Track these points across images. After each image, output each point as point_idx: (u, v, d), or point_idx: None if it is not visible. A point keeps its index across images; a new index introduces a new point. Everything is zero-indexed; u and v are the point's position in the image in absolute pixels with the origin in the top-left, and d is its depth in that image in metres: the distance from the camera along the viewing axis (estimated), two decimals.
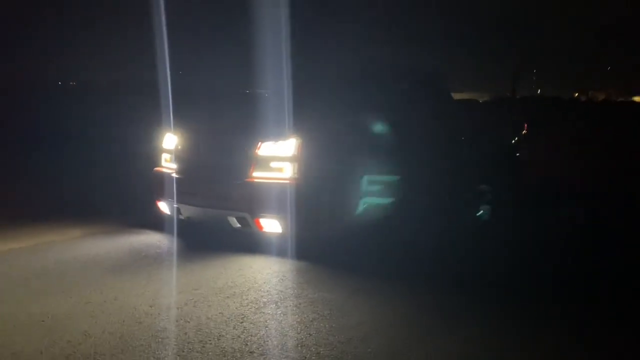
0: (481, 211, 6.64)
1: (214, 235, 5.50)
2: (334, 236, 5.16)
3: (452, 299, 4.18)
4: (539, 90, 49.12)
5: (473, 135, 6.75)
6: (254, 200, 4.95)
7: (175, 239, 5.57)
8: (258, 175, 5.02)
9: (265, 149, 5.03)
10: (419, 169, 5.73)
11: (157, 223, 5.88)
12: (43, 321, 3.61)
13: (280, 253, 5.01)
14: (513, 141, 7.86)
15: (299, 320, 3.70)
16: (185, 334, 3.46)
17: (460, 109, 7.41)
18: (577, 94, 45.68)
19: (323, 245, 5.10)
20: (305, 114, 5.19)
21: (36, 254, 5.06)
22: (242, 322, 3.64)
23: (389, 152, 5.49)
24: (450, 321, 3.77)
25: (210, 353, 3.21)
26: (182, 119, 5.85)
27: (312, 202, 4.97)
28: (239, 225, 5.12)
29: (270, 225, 4.97)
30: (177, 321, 3.64)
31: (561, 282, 4.65)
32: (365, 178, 5.38)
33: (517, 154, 7.68)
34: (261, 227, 5.00)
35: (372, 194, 5.37)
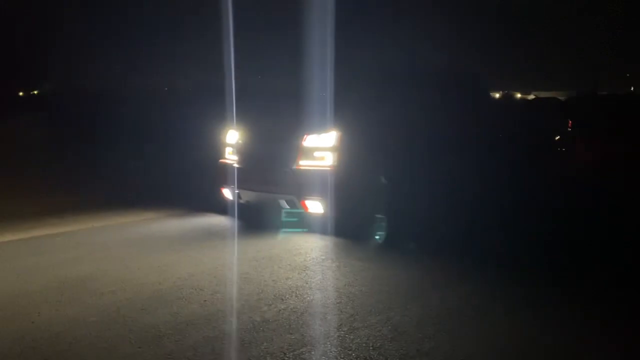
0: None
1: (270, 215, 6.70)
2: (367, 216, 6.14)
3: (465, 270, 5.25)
4: (632, 88, 47.82)
5: (510, 131, 7.65)
6: (300, 185, 6.03)
7: (239, 219, 6.92)
8: (304, 163, 6.10)
9: (310, 140, 6.10)
10: (446, 164, 6.70)
11: (222, 207, 7.22)
12: (158, 266, 5.21)
13: (324, 230, 6.17)
14: (557, 137, 8.71)
15: (350, 270, 5.10)
16: (262, 276, 4.92)
17: (499, 109, 8.24)
18: None
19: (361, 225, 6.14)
20: (345, 110, 6.26)
21: (137, 227, 6.85)
22: (304, 270, 5.09)
23: (419, 147, 6.47)
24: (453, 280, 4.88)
25: (280, 288, 4.63)
26: (241, 117, 7.13)
27: (349, 187, 5.98)
28: (288, 206, 6.27)
29: (314, 207, 6.03)
30: (255, 269, 5.11)
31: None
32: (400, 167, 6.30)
33: (561, 148, 8.51)
34: (307, 208, 6.08)
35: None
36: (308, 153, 6.12)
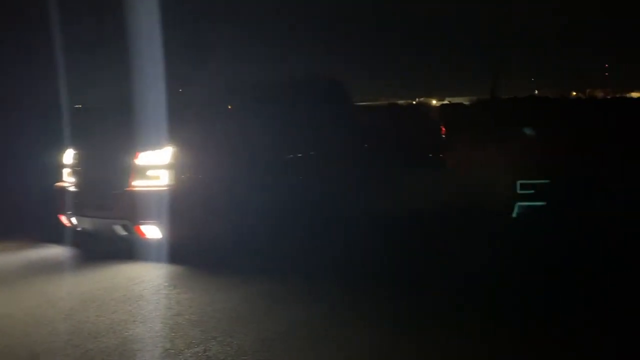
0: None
1: (114, 243, 6.30)
2: (210, 240, 5.88)
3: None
4: (536, 91, 50.82)
5: (374, 139, 7.59)
6: (133, 208, 5.73)
7: (84, 249, 6.50)
8: (137, 183, 5.81)
9: (143, 158, 5.81)
10: (302, 174, 6.52)
11: (64, 236, 6.76)
12: None
13: (165, 258, 5.80)
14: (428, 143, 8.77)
15: (188, 297, 4.86)
16: (87, 311, 4.57)
17: (361, 116, 8.11)
18: (574, 93, 47.49)
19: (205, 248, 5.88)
20: (182, 123, 5.97)
21: None
22: (138, 301, 4.80)
23: (262, 159, 6.27)
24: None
25: (100, 324, 4.29)
26: (76, 134, 6.68)
27: (187, 208, 5.73)
28: (124, 233, 5.88)
29: (151, 232, 5.73)
30: (84, 303, 4.77)
31: None
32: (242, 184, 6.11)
33: (430, 155, 8.54)
34: (143, 234, 5.76)
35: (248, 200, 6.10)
36: (141, 172, 5.83)
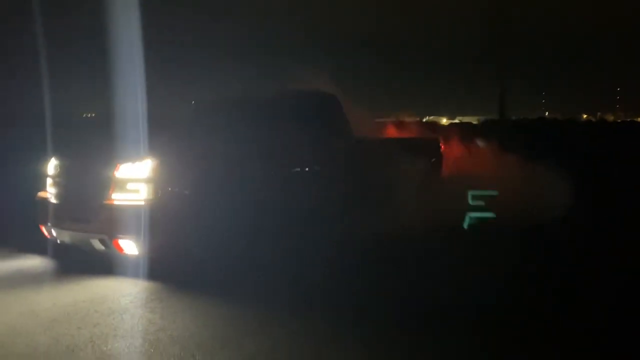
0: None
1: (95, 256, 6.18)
2: (190, 256, 5.78)
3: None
4: (547, 113, 51.60)
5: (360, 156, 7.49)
6: (111, 222, 5.62)
7: (58, 260, 6.41)
8: (116, 197, 5.72)
9: (123, 170, 5.73)
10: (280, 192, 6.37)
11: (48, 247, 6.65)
12: None
13: (146, 273, 5.72)
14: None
15: (172, 312, 4.83)
16: (69, 323, 4.57)
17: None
18: (585, 116, 48.23)
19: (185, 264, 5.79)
20: (164, 136, 5.82)
21: None
22: (123, 314, 4.83)
23: (245, 175, 6.14)
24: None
25: (81, 337, 4.27)
26: (59, 144, 6.53)
27: (167, 224, 5.61)
28: (102, 247, 5.77)
29: (129, 247, 5.64)
30: (67, 315, 4.77)
31: None
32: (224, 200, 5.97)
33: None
34: (121, 249, 5.66)
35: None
36: (121, 185, 5.75)
